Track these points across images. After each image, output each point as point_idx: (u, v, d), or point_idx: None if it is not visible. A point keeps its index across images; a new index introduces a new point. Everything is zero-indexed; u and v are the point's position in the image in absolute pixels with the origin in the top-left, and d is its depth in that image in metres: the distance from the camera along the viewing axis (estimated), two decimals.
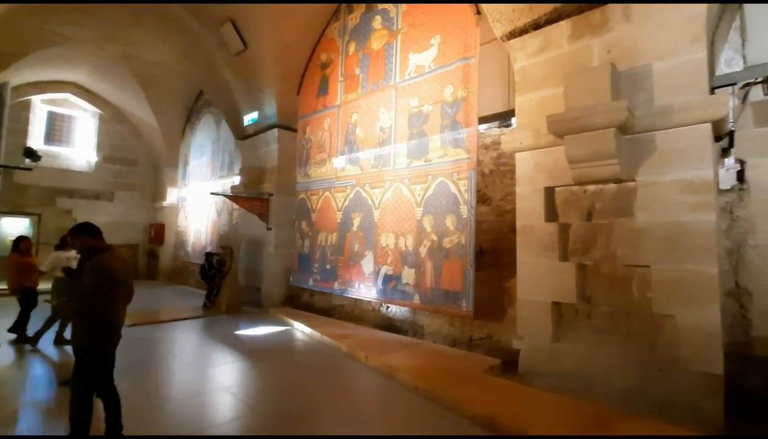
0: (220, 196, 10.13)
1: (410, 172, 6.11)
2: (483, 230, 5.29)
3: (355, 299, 7.03)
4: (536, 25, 4.21)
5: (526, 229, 4.23)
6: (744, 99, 3.56)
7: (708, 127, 3.21)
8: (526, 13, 4.20)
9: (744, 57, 3.59)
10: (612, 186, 3.70)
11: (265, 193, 8.94)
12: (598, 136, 3.46)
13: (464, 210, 5.26)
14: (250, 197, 8.94)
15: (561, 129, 3.71)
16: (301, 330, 6.81)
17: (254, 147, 9.43)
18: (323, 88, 8.03)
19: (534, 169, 4.22)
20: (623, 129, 3.46)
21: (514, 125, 4.80)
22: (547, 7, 4.06)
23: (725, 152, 3.62)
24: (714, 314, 3.08)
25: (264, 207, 8.86)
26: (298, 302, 8.49)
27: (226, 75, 8.87)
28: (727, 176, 3.58)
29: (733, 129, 3.56)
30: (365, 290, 6.67)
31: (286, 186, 8.77)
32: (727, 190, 3.60)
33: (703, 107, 3.20)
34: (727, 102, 3.17)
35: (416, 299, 5.82)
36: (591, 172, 3.66)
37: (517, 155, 4.37)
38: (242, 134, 9.60)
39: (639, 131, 3.51)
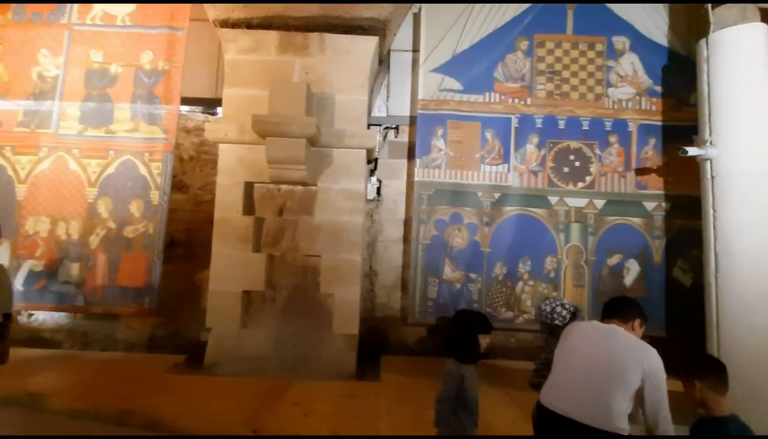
0: None
1: (83, 141, 4.84)
2: (176, 219, 4.89)
3: None
4: (249, 24, 4.36)
5: (224, 220, 4.27)
6: (384, 138, 5.08)
7: (364, 152, 4.35)
8: (240, 9, 4.27)
9: (387, 107, 5.12)
10: (300, 188, 4.33)
11: None
12: (293, 144, 3.97)
13: (155, 196, 4.69)
14: None
15: (264, 130, 4.00)
16: None
17: None
18: None
19: (236, 163, 4.32)
20: (312, 141, 4.14)
21: (220, 115, 4.75)
22: (260, 10, 4.28)
23: (372, 173, 5.04)
24: (356, 291, 4.21)
25: None
26: None
27: None
28: (371, 190, 4.98)
29: (377, 157, 5.01)
30: None
31: None
32: (370, 200, 5.00)
33: (362, 137, 4.31)
34: (375, 137, 4.43)
35: (80, 301, 4.66)
36: (285, 174, 4.14)
37: (221, 146, 4.35)
38: None
39: (322, 146, 4.29)
